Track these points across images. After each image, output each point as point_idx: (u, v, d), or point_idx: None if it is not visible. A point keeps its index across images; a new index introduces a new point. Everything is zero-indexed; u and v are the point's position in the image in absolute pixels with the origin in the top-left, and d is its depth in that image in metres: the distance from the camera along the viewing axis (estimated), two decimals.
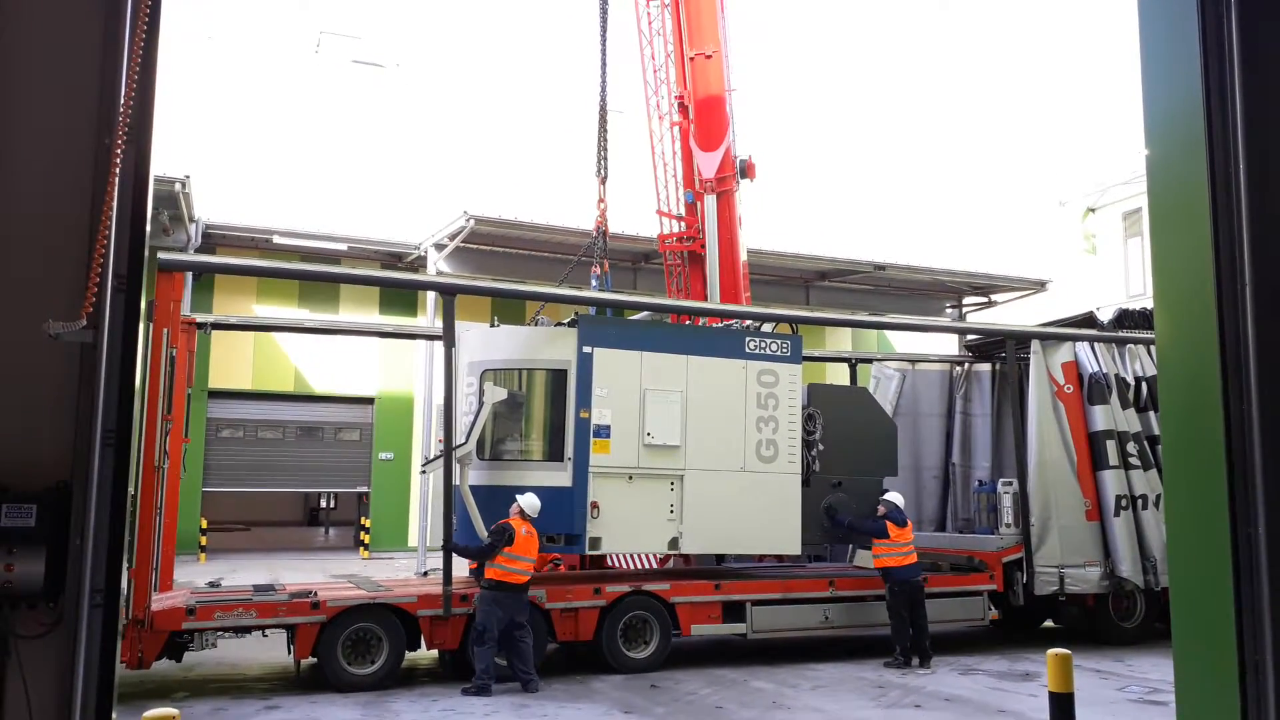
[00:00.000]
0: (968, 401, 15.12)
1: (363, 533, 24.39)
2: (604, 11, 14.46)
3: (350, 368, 23.97)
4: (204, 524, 22.17)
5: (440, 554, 10.74)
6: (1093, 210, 27.67)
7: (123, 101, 3.55)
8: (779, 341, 11.91)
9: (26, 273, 3.63)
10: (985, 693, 9.86)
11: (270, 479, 24.21)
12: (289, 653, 9.98)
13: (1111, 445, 12.71)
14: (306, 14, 30.20)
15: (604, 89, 14.27)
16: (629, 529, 10.98)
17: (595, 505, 10.74)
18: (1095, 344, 13.14)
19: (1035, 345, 13.08)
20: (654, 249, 18.32)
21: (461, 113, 29.87)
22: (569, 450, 10.76)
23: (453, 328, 10.64)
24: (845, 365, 16.13)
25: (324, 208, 24.88)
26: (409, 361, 23.97)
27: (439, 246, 22.08)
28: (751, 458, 11.51)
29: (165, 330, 9.56)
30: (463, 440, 10.60)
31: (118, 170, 3.48)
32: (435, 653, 10.73)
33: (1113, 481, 12.62)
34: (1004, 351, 13.97)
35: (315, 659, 9.74)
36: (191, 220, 20.72)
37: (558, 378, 10.97)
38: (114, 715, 3.48)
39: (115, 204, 3.49)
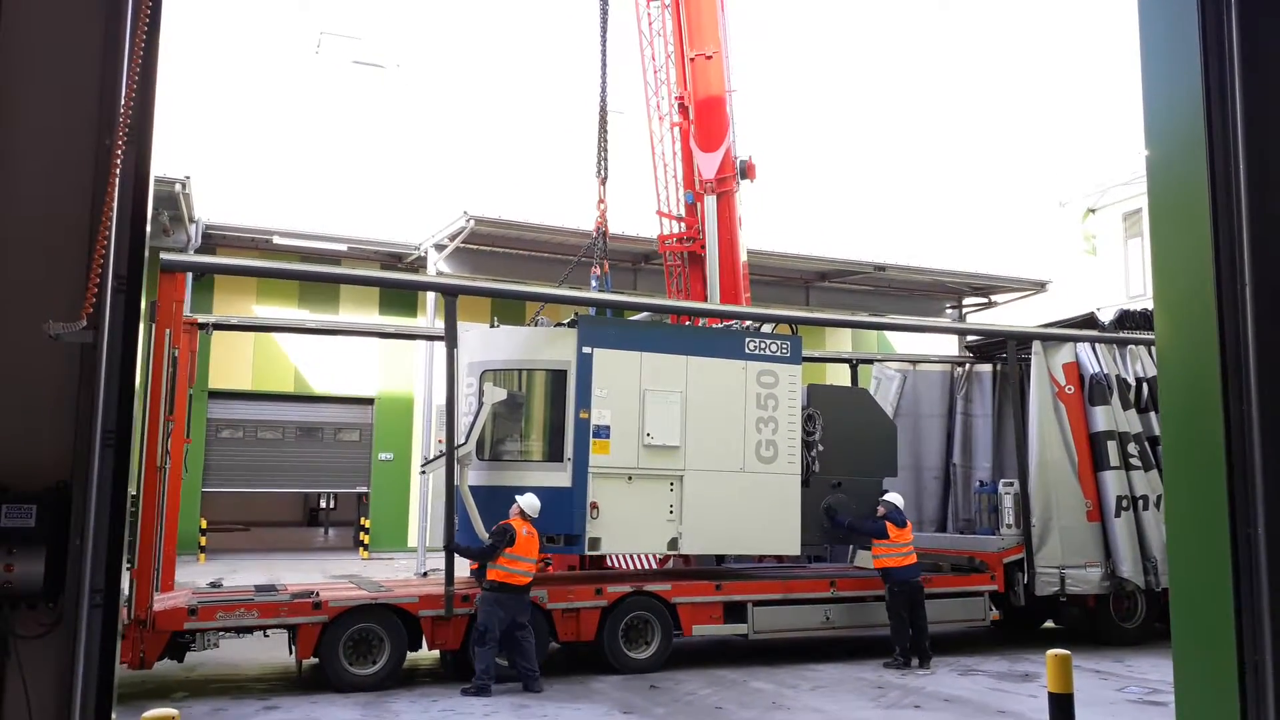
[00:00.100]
0: (969, 402, 15.12)
1: (362, 533, 24.39)
2: (604, 12, 14.46)
3: (350, 368, 23.98)
4: (204, 524, 22.17)
5: (440, 554, 10.74)
6: (1093, 211, 27.67)
7: (123, 102, 3.55)
8: (779, 342, 11.91)
9: (27, 273, 3.63)
10: (985, 693, 9.86)
11: (270, 479, 24.23)
12: (290, 653, 9.98)
13: (1112, 446, 12.71)
14: (307, 14, 30.21)
15: (604, 89, 14.27)
16: (629, 529, 10.98)
17: (595, 506, 10.74)
18: (1096, 345, 13.15)
19: (1036, 346, 13.08)
20: (654, 249, 18.32)
21: (461, 113, 29.88)
22: (569, 451, 10.76)
23: (455, 328, 10.64)
24: (845, 366, 16.12)
25: (324, 208, 24.89)
26: (409, 362, 23.98)
27: (439, 247, 22.09)
28: (751, 458, 11.51)
29: (167, 331, 9.56)
30: (462, 441, 10.60)
31: (118, 171, 3.48)
32: (436, 653, 10.74)
33: (1114, 482, 12.62)
34: (1005, 352, 13.98)
35: (317, 659, 9.74)
36: (192, 221, 20.73)
37: (557, 378, 10.97)
38: (114, 715, 3.48)
39: (115, 204, 3.49)
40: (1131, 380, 13.16)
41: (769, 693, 9.80)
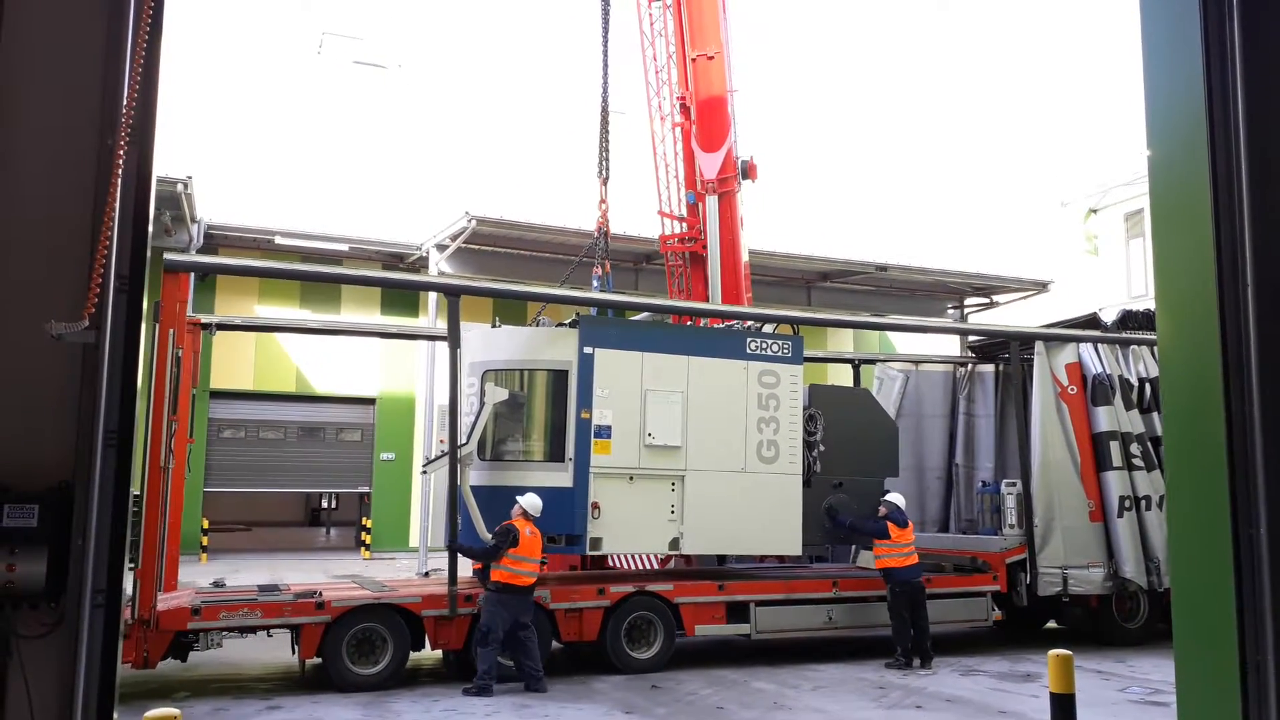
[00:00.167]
0: (971, 402, 15.11)
1: (364, 533, 24.40)
2: (606, 12, 14.46)
3: (351, 368, 23.99)
4: (205, 524, 22.19)
5: (441, 554, 10.75)
6: (1094, 211, 27.66)
7: (125, 102, 3.55)
8: (780, 342, 11.90)
9: (29, 273, 3.64)
10: (986, 693, 9.86)
11: (271, 479, 24.24)
12: (293, 653, 9.99)
13: (1115, 446, 12.71)
14: (308, 15, 30.23)
15: (605, 90, 14.27)
16: (630, 529, 10.98)
17: (596, 506, 10.74)
18: (1099, 345, 13.14)
19: (1039, 346, 13.07)
20: (655, 250, 18.32)
21: (463, 113, 29.89)
22: (570, 451, 10.76)
23: (458, 328, 10.63)
24: (846, 366, 16.11)
25: (325, 208, 24.90)
26: (410, 362, 23.99)
27: (440, 247, 22.10)
28: (752, 458, 11.51)
29: (171, 331, 9.57)
30: (463, 441, 10.60)
31: (120, 171, 3.49)
32: (439, 653, 10.74)
33: (1116, 482, 12.62)
34: (1007, 352, 13.98)
35: (320, 659, 9.74)
36: (193, 221, 20.74)
37: (559, 378, 10.97)
38: (115, 715, 3.48)
39: (117, 204, 3.50)
40: (1134, 380, 13.15)
41: (770, 693, 9.80)
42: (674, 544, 11.20)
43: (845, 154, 33.72)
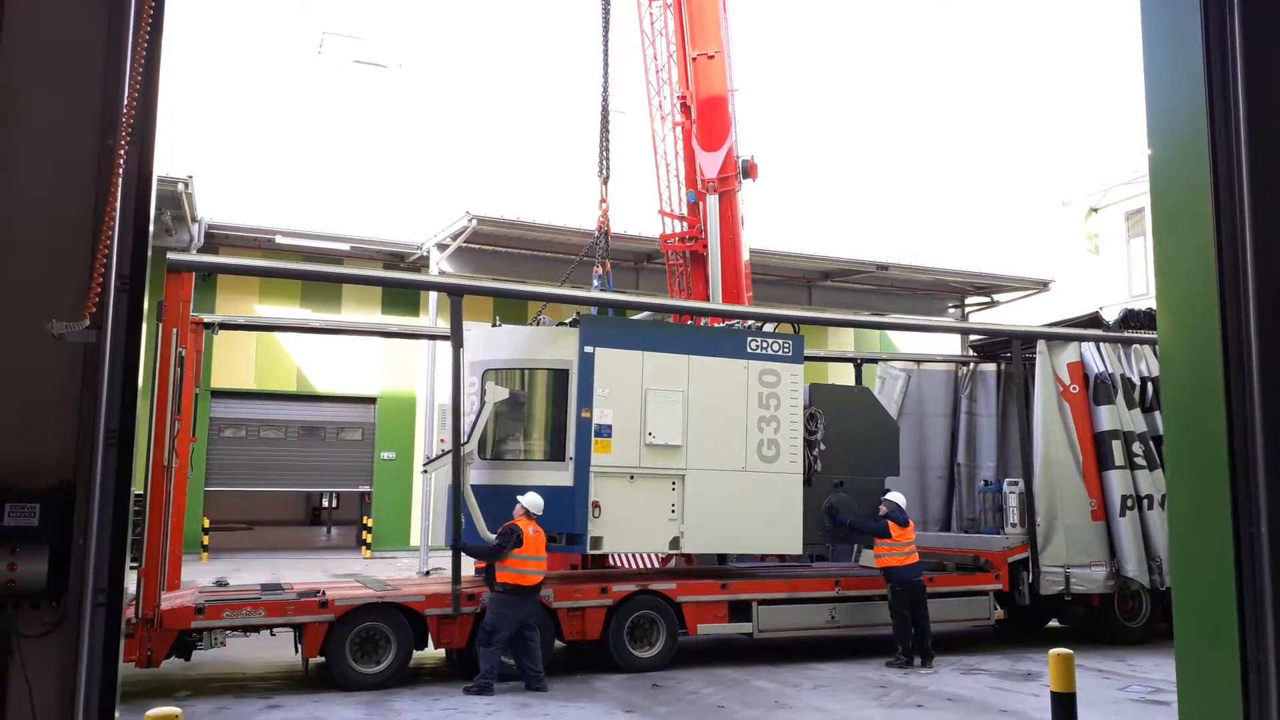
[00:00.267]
0: (973, 401, 15.11)
1: (365, 532, 24.41)
2: (606, 12, 14.46)
3: (352, 367, 24.00)
4: (206, 523, 22.20)
5: (442, 553, 10.74)
6: (1095, 210, 27.65)
7: (126, 102, 3.55)
8: (781, 341, 11.91)
9: (30, 273, 3.64)
10: (987, 692, 9.86)
11: (272, 478, 24.26)
12: (296, 652, 10.00)
13: (1117, 445, 12.71)
14: (309, 14, 30.24)
15: (606, 89, 14.27)
16: (630, 528, 10.98)
17: (597, 505, 10.74)
18: (1101, 344, 13.14)
19: (1041, 345, 13.07)
20: (656, 249, 18.31)
21: (463, 113, 29.90)
22: (570, 450, 10.77)
23: (460, 328, 10.63)
24: (848, 365, 16.11)
25: (326, 208, 24.92)
26: (411, 361, 24.00)
27: (441, 246, 22.10)
28: (753, 457, 11.51)
29: (174, 330, 9.57)
30: (464, 440, 10.60)
31: (121, 171, 3.49)
32: (441, 652, 10.74)
33: (1118, 481, 12.62)
34: (1009, 352, 13.98)
35: (323, 658, 9.75)
36: (194, 220, 20.75)
37: (559, 377, 10.98)
38: (117, 714, 3.49)
39: (118, 204, 3.50)
40: (1136, 379, 13.15)
41: (771, 691, 9.80)
42: (674, 543, 11.20)
43: (845, 154, 33.71)
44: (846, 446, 12.32)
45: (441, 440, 11.81)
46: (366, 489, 24.79)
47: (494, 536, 9.96)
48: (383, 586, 10.68)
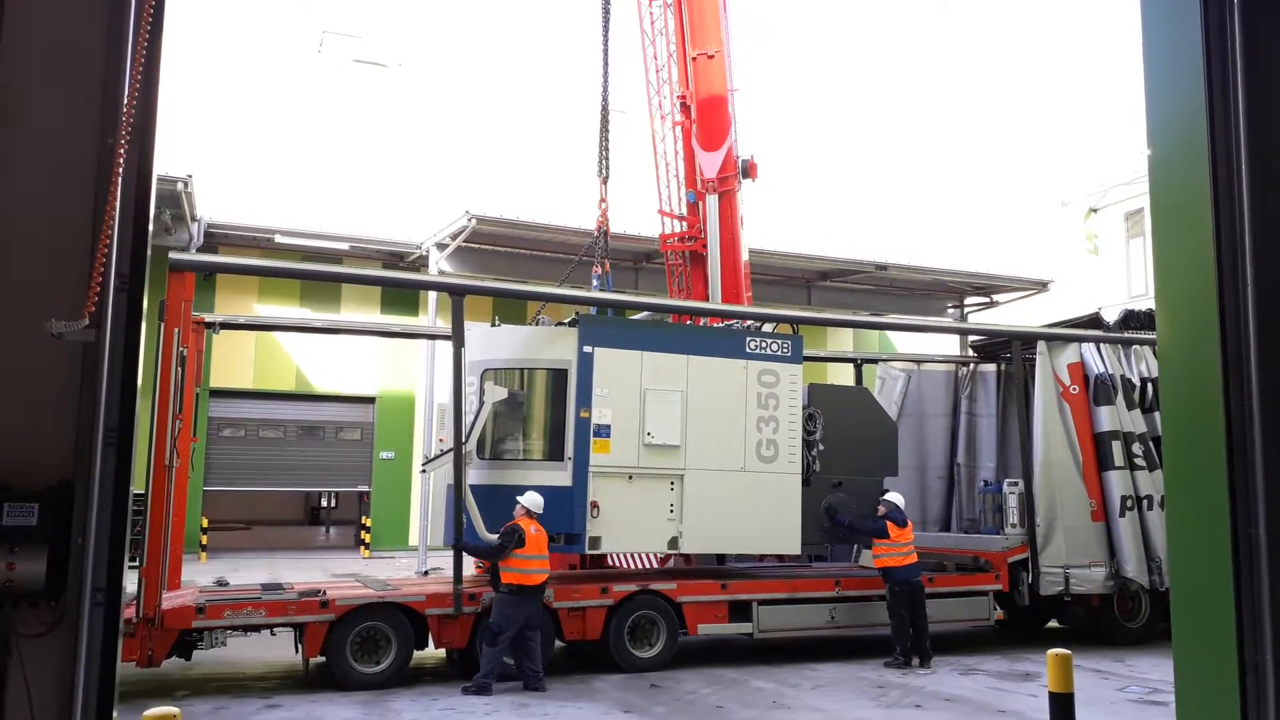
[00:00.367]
0: (973, 402, 15.12)
1: (363, 532, 24.40)
2: (606, 11, 14.46)
3: (351, 367, 24.00)
4: (205, 523, 22.20)
5: (440, 553, 10.74)
6: (1095, 210, 27.66)
7: (126, 101, 3.55)
8: (780, 341, 11.91)
9: (29, 272, 3.64)
10: (985, 693, 9.86)
11: (271, 478, 24.26)
12: (297, 651, 10.00)
13: (1117, 446, 12.72)
14: (309, 13, 30.23)
15: (606, 89, 14.27)
16: (629, 528, 10.98)
17: (595, 505, 10.75)
18: (1101, 345, 13.15)
19: (1041, 346, 13.08)
20: (655, 249, 18.32)
21: (463, 112, 29.89)
22: (569, 450, 10.77)
23: (462, 328, 10.62)
24: (847, 365, 16.12)
25: (326, 207, 24.91)
26: (410, 361, 24.00)
27: (441, 246, 22.10)
28: (752, 457, 11.51)
29: (176, 330, 9.57)
30: (463, 440, 10.60)
31: (120, 170, 3.49)
32: (441, 652, 10.74)
33: (1118, 482, 12.63)
34: (1009, 352, 13.98)
35: (324, 658, 9.75)
36: (194, 219, 20.74)
37: (558, 377, 10.97)
38: (115, 714, 3.49)
39: (118, 203, 3.50)
40: (1136, 380, 13.16)
41: (770, 692, 9.80)
42: (673, 543, 11.20)
43: (845, 154, 33.71)
44: (845, 447, 12.32)
45: (440, 440, 11.80)
46: (365, 489, 24.78)
47: (494, 537, 9.96)
48: (383, 586, 10.68)
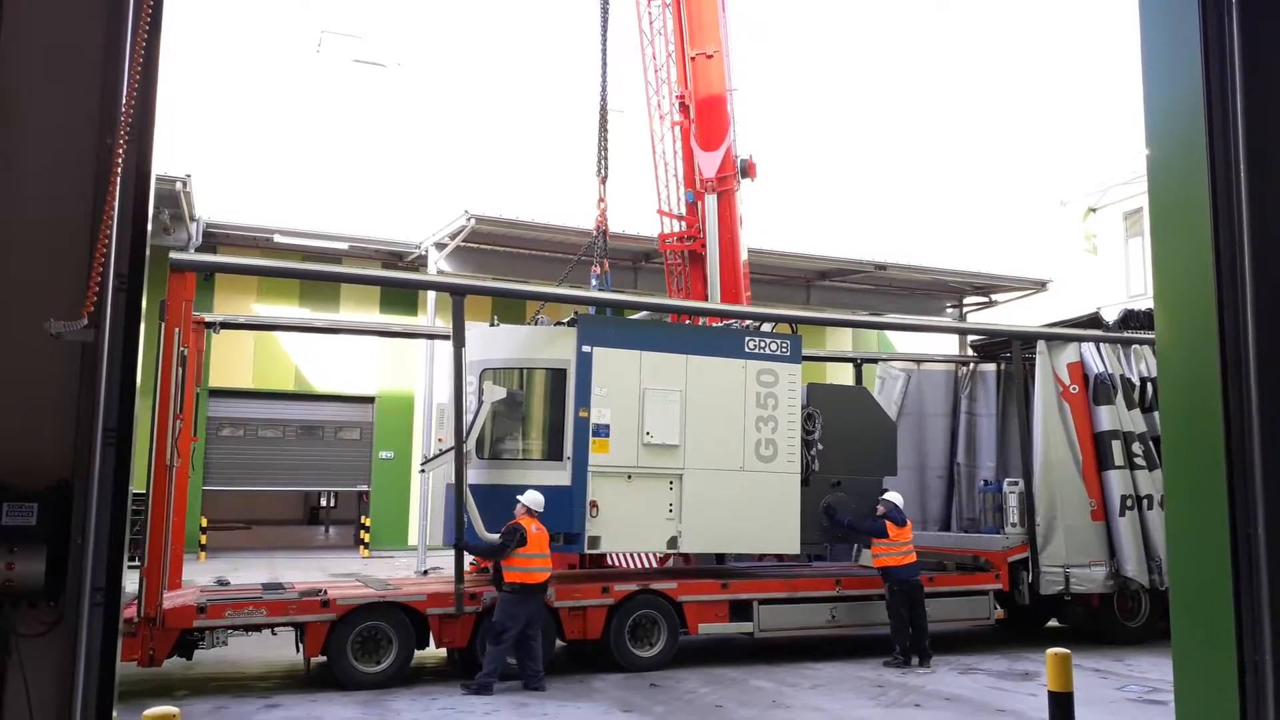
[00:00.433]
0: (973, 401, 15.13)
1: (363, 531, 24.39)
2: (605, 11, 14.46)
3: (351, 367, 23.99)
4: (204, 522, 22.19)
5: (440, 553, 10.73)
6: (1093, 210, 27.66)
7: (124, 101, 3.55)
8: (779, 341, 11.91)
9: (28, 272, 3.64)
10: (985, 692, 9.86)
11: (271, 478, 24.25)
12: (298, 651, 10.00)
13: (1117, 445, 12.73)
14: (308, 13, 30.21)
15: (604, 88, 14.27)
16: (628, 528, 10.98)
17: (594, 504, 10.75)
18: (1101, 344, 13.16)
19: (1041, 346, 13.08)
20: (654, 248, 18.32)
21: (462, 112, 29.88)
22: (568, 449, 10.77)
23: (462, 328, 10.62)
24: (846, 365, 16.12)
25: (325, 207, 24.89)
26: (409, 361, 23.99)
27: (440, 246, 22.10)
28: (751, 457, 11.51)
29: (176, 330, 9.57)
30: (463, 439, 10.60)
31: (119, 170, 3.48)
32: (442, 651, 10.74)
33: (1118, 481, 12.64)
34: (1009, 352, 13.99)
35: (324, 657, 9.74)
36: (192, 219, 20.74)
37: (557, 377, 10.97)
38: (115, 714, 3.49)
39: (117, 203, 3.50)
40: (1136, 380, 13.17)
41: (769, 691, 9.80)
42: (672, 542, 11.21)
43: (845, 153, 33.71)
44: (844, 446, 12.33)
45: (439, 440, 11.79)
46: (364, 488, 24.78)
47: (495, 536, 9.96)
48: (384, 586, 10.69)
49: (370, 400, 24.58)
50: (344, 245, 23.38)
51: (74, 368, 3.58)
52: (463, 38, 31.60)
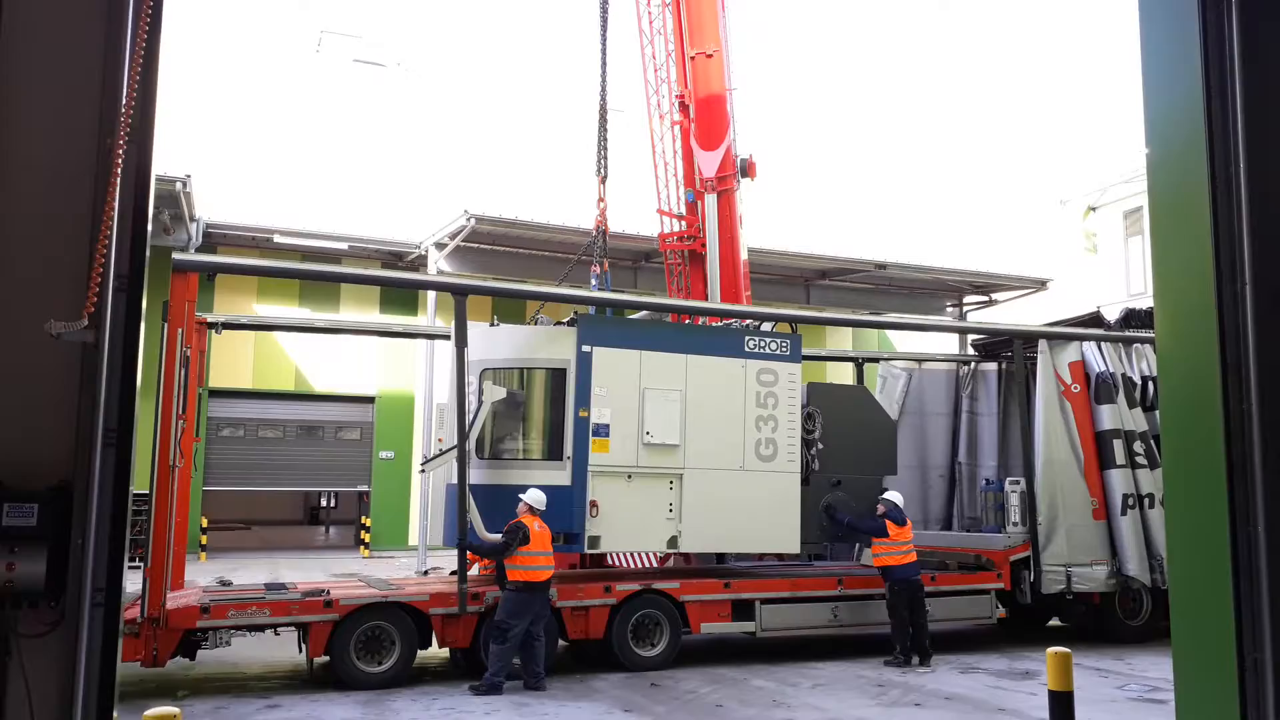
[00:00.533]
0: (974, 401, 15.13)
1: (363, 532, 24.40)
2: (604, 11, 14.46)
3: (351, 367, 23.99)
4: (204, 523, 22.19)
5: (439, 553, 10.73)
6: (1093, 209, 27.65)
7: (124, 102, 3.55)
8: (778, 340, 11.91)
9: (28, 273, 3.64)
10: (985, 691, 9.87)
11: (271, 478, 24.25)
12: (300, 651, 10.00)
13: (1118, 444, 12.74)
14: (307, 13, 30.21)
15: (604, 88, 14.27)
16: (628, 528, 10.98)
17: (594, 504, 10.75)
18: (1102, 343, 13.16)
19: (1042, 345, 13.08)
20: (654, 248, 18.32)
21: (462, 112, 29.88)
22: (568, 449, 10.77)
23: (464, 328, 10.61)
24: (846, 364, 16.13)
25: (325, 207, 24.89)
26: (409, 360, 24.00)
27: (440, 246, 22.10)
28: (751, 457, 11.51)
29: (179, 330, 9.57)
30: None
31: (119, 170, 3.49)
32: (444, 652, 10.74)
33: (1119, 480, 12.64)
34: (1010, 351, 13.99)
35: (327, 657, 9.75)
36: (192, 219, 20.73)
37: (557, 377, 10.97)
38: (115, 714, 3.49)
39: (117, 204, 3.50)
40: (1137, 379, 13.17)
41: (769, 690, 9.80)
42: (672, 542, 11.20)
43: (844, 152, 33.71)
44: (844, 445, 12.33)
45: (439, 440, 11.78)
46: (365, 488, 24.78)
47: (497, 536, 9.96)
48: (386, 586, 10.68)
49: (370, 400, 24.59)
50: (344, 245, 23.38)
51: (74, 368, 3.59)
52: (462, 37, 31.61)
